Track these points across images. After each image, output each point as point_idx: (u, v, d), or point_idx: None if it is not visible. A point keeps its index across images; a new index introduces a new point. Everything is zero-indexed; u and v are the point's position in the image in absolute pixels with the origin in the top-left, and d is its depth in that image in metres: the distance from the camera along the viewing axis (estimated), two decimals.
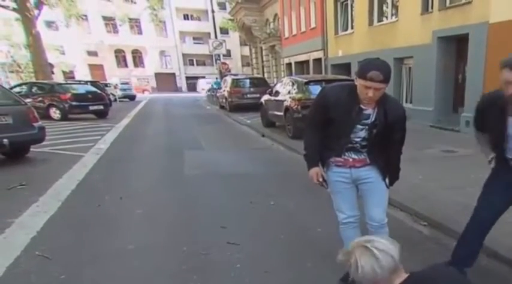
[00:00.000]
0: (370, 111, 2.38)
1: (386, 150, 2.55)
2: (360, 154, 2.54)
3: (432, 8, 9.90)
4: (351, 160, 2.54)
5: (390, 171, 2.68)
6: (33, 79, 19.76)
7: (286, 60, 22.87)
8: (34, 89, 14.39)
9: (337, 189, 2.66)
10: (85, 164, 6.75)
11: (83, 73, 40.55)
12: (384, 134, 2.44)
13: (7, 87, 13.29)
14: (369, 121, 2.40)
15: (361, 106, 2.35)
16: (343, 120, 2.39)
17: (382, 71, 2.17)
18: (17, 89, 14.21)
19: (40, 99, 13.73)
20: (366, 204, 2.70)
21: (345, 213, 2.72)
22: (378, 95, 2.25)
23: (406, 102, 11.65)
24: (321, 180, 2.57)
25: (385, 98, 2.37)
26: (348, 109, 2.35)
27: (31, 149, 7.29)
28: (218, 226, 3.89)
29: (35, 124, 6.92)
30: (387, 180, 2.66)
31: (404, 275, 1.39)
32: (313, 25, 18.42)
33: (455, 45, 9.68)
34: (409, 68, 11.40)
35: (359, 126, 2.41)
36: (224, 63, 24.74)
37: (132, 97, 29.14)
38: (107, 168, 6.67)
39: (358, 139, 2.47)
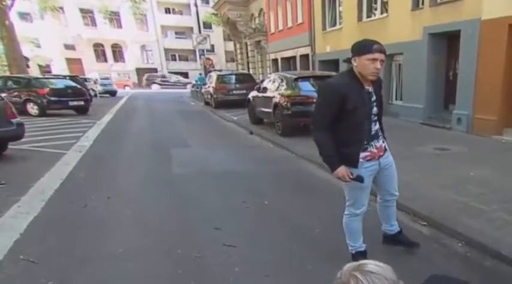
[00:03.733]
0: (371, 88, 2.55)
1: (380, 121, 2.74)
2: (378, 140, 2.69)
3: (423, 4, 9.89)
4: (376, 151, 2.66)
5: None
6: (7, 73, 18.99)
7: (273, 56, 22.74)
8: (9, 83, 13.82)
9: (366, 184, 2.69)
10: (68, 162, 6.47)
11: (60, 68, 39.28)
12: (380, 105, 2.66)
13: None
14: (374, 98, 2.58)
15: (366, 87, 2.49)
16: (360, 106, 2.44)
17: (379, 43, 2.41)
18: None
19: (16, 93, 13.17)
20: (387, 183, 2.91)
21: (364, 205, 2.80)
22: (382, 67, 2.42)
23: (396, 99, 11.69)
24: (351, 177, 2.54)
25: None
26: (360, 94, 2.45)
27: (9, 146, 6.93)
28: (212, 227, 3.76)
29: (13, 120, 6.59)
30: None
31: None
32: (300, 20, 18.32)
33: (447, 41, 9.69)
34: (399, 65, 11.42)
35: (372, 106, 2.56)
36: (208, 59, 24.39)
37: (113, 93, 28.42)
38: (91, 166, 6.41)
39: (374, 119, 2.63)
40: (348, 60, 2.73)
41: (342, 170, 2.52)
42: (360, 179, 2.57)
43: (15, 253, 3.16)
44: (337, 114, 2.42)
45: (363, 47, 2.38)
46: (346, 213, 2.84)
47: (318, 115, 2.56)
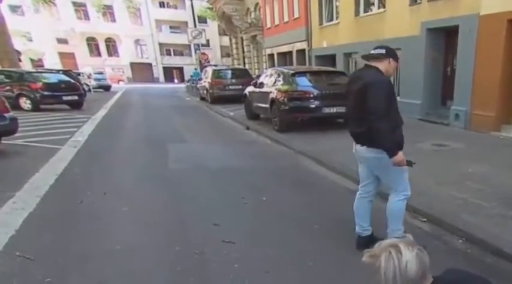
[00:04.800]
0: None
1: None
2: None
3: None
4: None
5: None
6: None
7: (269, 51, 22.63)
8: (1, 77, 13.56)
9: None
10: (63, 157, 6.38)
11: (52, 62, 38.82)
12: None
13: None
14: None
15: None
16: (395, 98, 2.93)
17: None
18: None
19: (8, 88, 12.94)
20: None
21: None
22: None
23: (397, 95, 11.68)
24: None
25: None
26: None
27: (2, 141, 6.80)
28: (210, 223, 3.72)
29: (6, 115, 6.47)
30: None
31: (430, 279, 1.33)
32: (296, 15, 18.22)
33: (445, 37, 9.66)
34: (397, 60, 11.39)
35: None
36: (204, 54, 24.26)
37: (107, 88, 28.18)
38: (87, 161, 6.33)
39: None
40: (366, 57, 2.98)
41: (401, 154, 2.76)
42: (410, 163, 2.82)
43: (10, 250, 3.10)
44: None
45: (394, 53, 2.95)
46: (400, 198, 2.99)
47: (379, 106, 2.70)
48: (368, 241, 2.91)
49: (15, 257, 2.97)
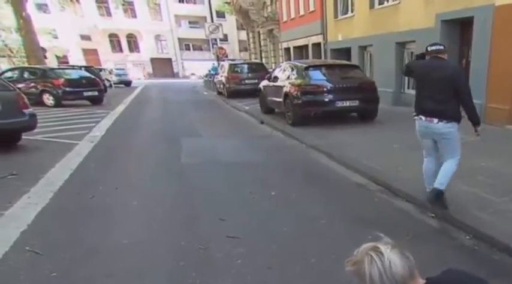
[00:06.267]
0: None
1: None
2: None
3: None
4: None
5: None
6: (26, 64, 19.30)
7: (285, 45, 22.48)
8: (26, 74, 14.00)
9: None
10: (79, 152, 6.55)
11: (77, 58, 39.78)
12: None
13: None
14: None
15: None
16: None
17: None
18: (9, 74, 13.88)
19: (33, 84, 13.36)
20: None
21: None
22: None
23: (408, 88, 11.41)
24: None
25: None
26: None
27: (23, 137, 7.05)
28: (217, 218, 3.75)
29: (26, 111, 6.67)
30: None
31: (421, 281, 1.27)
32: (312, 8, 18.00)
33: (459, 28, 9.38)
34: (412, 53, 11.11)
35: None
36: (221, 48, 24.27)
37: (127, 83, 28.69)
38: (102, 156, 6.48)
39: None
40: (432, 52, 3.57)
41: None
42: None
43: (21, 245, 3.19)
44: None
45: None
46: (456, 162, 3.63)
47: (469, 88, 3.56)
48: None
49: (25, 252, 3.07)
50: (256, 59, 29.12)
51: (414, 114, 3.70)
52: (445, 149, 3.63)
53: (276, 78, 9.97)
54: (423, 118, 3.58)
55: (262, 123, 9.82)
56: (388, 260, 1.20)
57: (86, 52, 43.34)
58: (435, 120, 3.50)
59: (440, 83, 3.45)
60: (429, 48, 3.58)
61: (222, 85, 17.30)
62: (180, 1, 49.03)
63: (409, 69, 3.89)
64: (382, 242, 1.28)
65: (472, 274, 1.47)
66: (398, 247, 1.25)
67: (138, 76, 41.30)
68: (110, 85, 23.24)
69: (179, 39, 48.85)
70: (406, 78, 11.56)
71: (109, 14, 44.19)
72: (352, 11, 14.21)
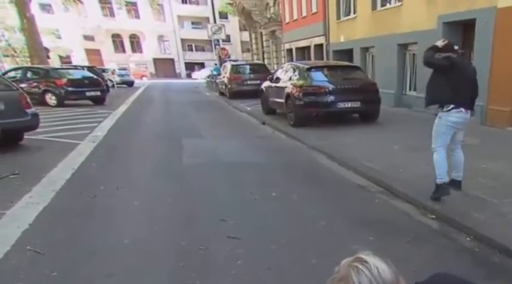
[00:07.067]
0: None
1: None
2: None
3: None
4: None
5: None
6: (29, 64, 19.37)
7: (287, 46, 22.49)
8: (29, 74, 14.03)
9: None
10: (81, 152, 6.57)
11: (80, 58, 39.82)
12: None
13: (1, 71, 13.03)
14: None
15: None
16: None
17: None
18: (12, 74, 13.95)
19: (35, 84, 13.42)
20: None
21: None
22: None
23: (410, 89, 11.41)
24: None
25: None
26: None
27: (25, 136, 7.08)
28: (217, 218, 3.75)
29: (28, 111, 6.70)
30: None
31: None
32: (314, 10, 18.03)
33: (461, 30, 9.38)
34: (413, 55, 11.12)
35: None
36: (223, 49, 24.31)
37: (130, 83, 28.73)
38: (104, 156, 6.49)
39: None
40: (437, 49, 3.87)
41: None
42: None
43: (22, 244, 3.20)
44: None
45: None
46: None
47: None
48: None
49: (26, 251, 3.07)
50: (258, 59, 29.13)
51: (450, 106, 3.77)
52: (460, 138, 4.03)
53: (278, 79, 9.99)
54: (463, 110, 3.79)
55: (263, 123, 9.83)
56: (375, 267, 1.17)
57: (89, 52, 43.40)
58: (469, 112, 3.87)
59: (470, 78, 3.90)
60: (455, 46, 3.92)
61: (224, 86, 17.32)
62: (183, 2, 49.09)
63: (453, 64, 3.79)
64: (361, 252, 1.26)
65: (461, 277, 1.46)
66: (379, 254, 1.25)
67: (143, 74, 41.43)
68: (113, 86, 23.29)
69: (182, 39, 48.91)
70: (408, 79, 11.56)
71: (112, 14, 44.28)
72: (354, 13, 14.24)
